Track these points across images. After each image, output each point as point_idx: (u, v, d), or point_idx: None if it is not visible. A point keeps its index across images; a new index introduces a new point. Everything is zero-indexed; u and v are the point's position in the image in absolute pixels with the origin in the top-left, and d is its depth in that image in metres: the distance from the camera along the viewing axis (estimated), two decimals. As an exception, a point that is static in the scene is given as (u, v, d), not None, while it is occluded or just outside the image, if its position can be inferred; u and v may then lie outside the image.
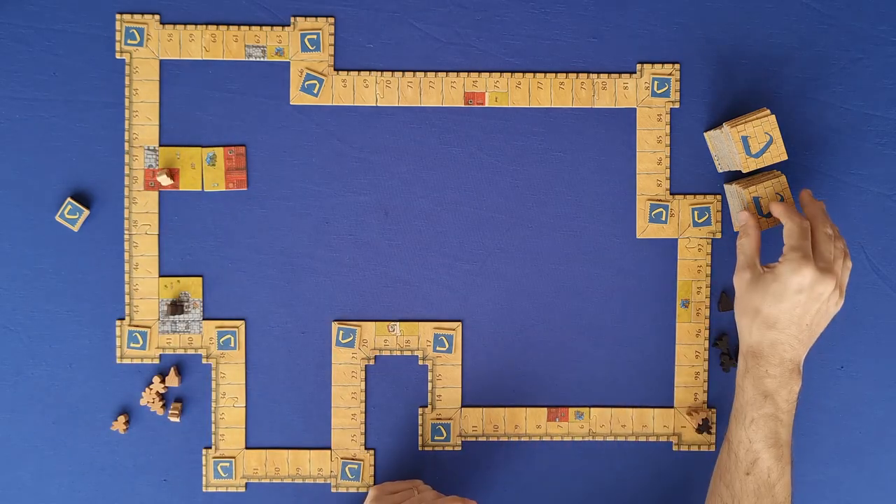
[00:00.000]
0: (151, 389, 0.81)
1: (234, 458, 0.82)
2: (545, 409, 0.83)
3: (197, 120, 0.81)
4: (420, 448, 0.83)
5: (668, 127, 0.82)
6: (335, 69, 0.81)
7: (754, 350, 0.72)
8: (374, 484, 0.82)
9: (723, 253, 0.82)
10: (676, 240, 0.82)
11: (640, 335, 0.83)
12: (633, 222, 0.82)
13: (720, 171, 0.82)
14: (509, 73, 0.82)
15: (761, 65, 0.82)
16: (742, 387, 0.72)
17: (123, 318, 0.81)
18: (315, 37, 0.81)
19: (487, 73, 0.81)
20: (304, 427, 0.82)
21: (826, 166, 0.82)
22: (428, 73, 0.81)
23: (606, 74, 0.82)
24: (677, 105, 0.82)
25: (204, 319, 0.82)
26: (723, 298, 0.82)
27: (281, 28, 0.81)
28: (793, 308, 0.70)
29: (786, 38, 0.82)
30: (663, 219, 0.82)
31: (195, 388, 0.82)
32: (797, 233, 0.71)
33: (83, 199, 0.81)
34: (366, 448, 0.82)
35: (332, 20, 0.81)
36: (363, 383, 0.82)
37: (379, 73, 0.81)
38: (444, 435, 0.82)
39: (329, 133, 0.82)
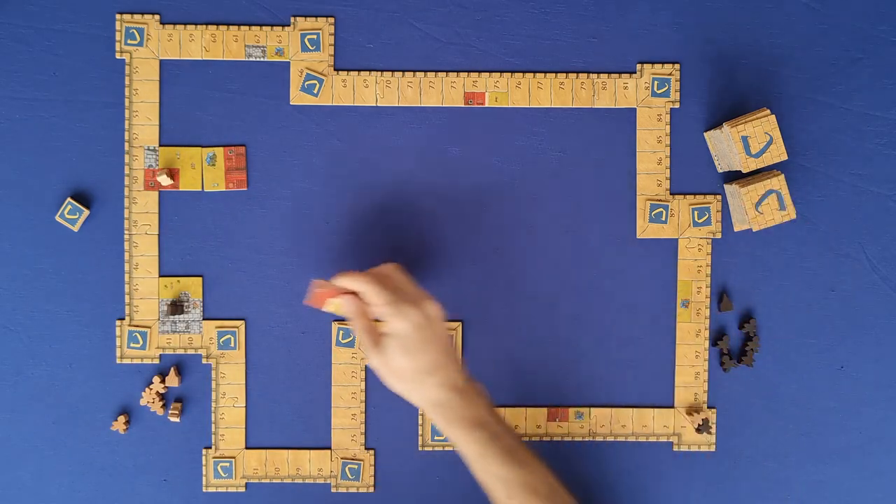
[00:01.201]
0: (151, 389, 0.81)
1: (234, 458, 0.82)
2: (545, 409, 0.83)
3: (197, 120, 0.81)
4: (420, 448, 0.83)
5: (668, 127, 0.82)
6: (335, 69, 0.81)
7: (434, 402, 0.70)
8: (374, 484, 0.82)
9: (723, 253, 0.82)
10: (676, 240, 0.82)
11: (640, 335, 0.83)
12: (633, 222, 0.82)
13: (720, 171, 0.82)
14: (509, 73, 0.82)
15: (761, 65, 0.82)
16: (456, 440, 0.71)
17: (123, 318, 0.81)
18: (315, 37, 0.81)
19: (487, 73, 0.81)
20: (304, 427, 0.82)
21: (826, 166, 0.82)
22: (428, 73, 0.81)
23: (606, 74, 0.82)
24: (677, 105, 0.82)
25: (204, 319, 0.82)
26: (723, 298, 0.82)
27: (281, 28, 0.81)
28: (425, 344, 0.69)
29: (786, 38, 0.82)
30: (663, 219, 0.82)
31: (195, 388, 0.82)
32: (375, 290, 0.70)
33: (83, 199, 0.81)
34: (366, 448, 0.82)
35: (332, 20, 0.81)
36: (363, 383, 0.82)
37: (379, 73, 0.81)
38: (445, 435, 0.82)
39: (329, 133, 0.82)
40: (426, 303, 0.71)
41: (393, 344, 0.70)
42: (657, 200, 0.82)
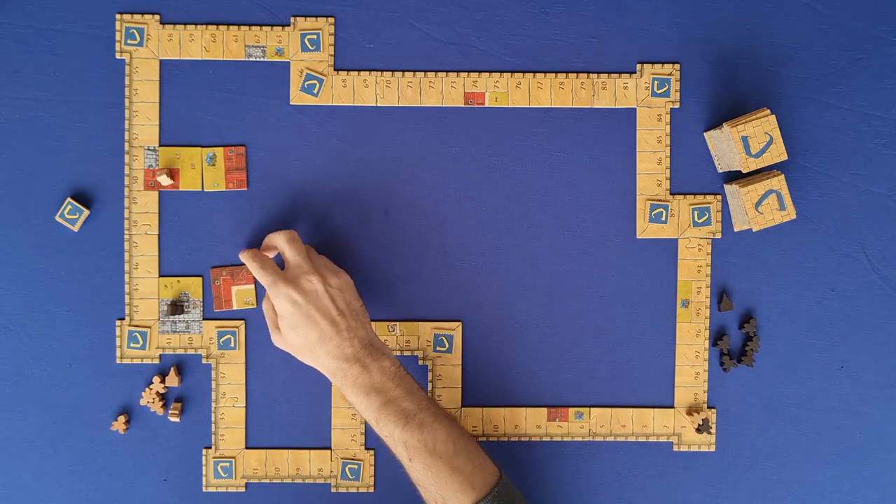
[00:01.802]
0: (151, 389, 0.81)
1: (234, 458, 0.82)
2: (545, 409, 0.83)
3: (197, 120, 0.81)
4: (420, 448, 0.82)
5: (668, 127, 0.82)
6: (335, 69, 0.81)
7: (328, 370, 0.73)
8: (374, 484, 0.82)
9: (723, 253, 0.82)
10: (676, 240, 0.82)
11: (640, 335, 0.83)
12: (633, 222, 0.82)
13: (720, 171, 0.82)
14: (509, 73, 0.82)
15: (761, 65, 0.82)
16: (354, 405, 0.73)
17: (123, 318, 0.81)
18: (315, 37, 0.81)
19: (487, 73, 0.81)
20: (304, 427, 0.82)
21: (826, 166, 0.82)
22: (428, 73, 0.81)
23: (606, 74, 0.82)
24: (677, 105, 0.82)
25: (204, 319, 0.82)
26: (723, 298, 0.82)
27: (281, 28, 0.81)
28: (307, 319, 0.72)
29: (786, 38, 0.82)
30: (663, 219, 0.82)
31: (195, 388, 0.82)
32: (256, 272, 0.75)
33: (83, 199, 0.81)
34: (366, 448, 0.82)
35: (332, 20, 0.81)
36: (363, 383, 0.82)
37: (379, 73, 0.81)
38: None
39: (329, 133, 0.82)
40: (303, 279, 0.73)
41: (282, 323, 0.74)
42: (657, 200, 0.82)
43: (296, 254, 0.75)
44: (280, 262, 0.78)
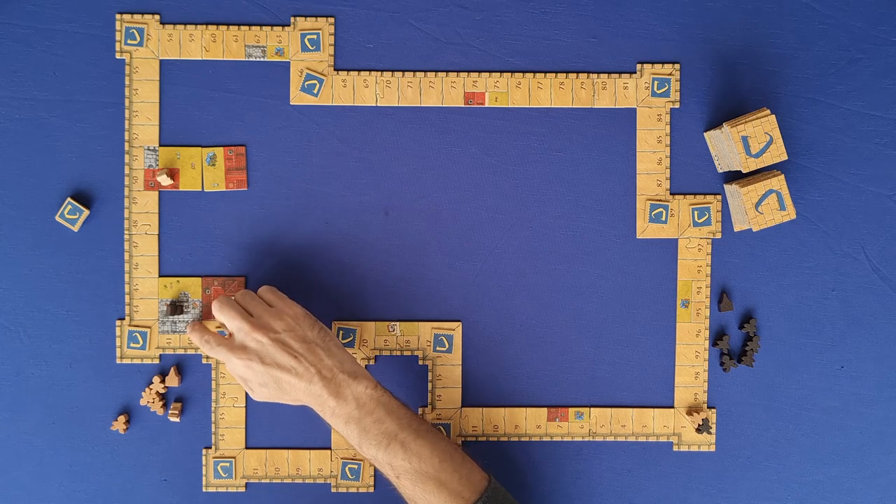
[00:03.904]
0: (151, 389, 0.81)
1: (234, 458, 0.82)
2: (545, 409, 0.83)
3: (197, 120, 0.81)
4: (420, 448, 0.82)
5: (668, 127, 0.82)
6: (335, 69, 0.81)
7: (305, 404, 0.73)
8: (374, 484, 0.82)
9: (723, 253, 0.82)
10: (676, 240, 0.82)
11: (640, 335, 0.83)
12: (633, 222, 0.82)
13: (720, 171, 0.82)
14: (509, 73, 0.82)
15: (761, 65, 0.82)
16: (337, 431, 0.74)
17: (123, 318, 0.81)
18: (315, 37, 0.81)
19: (487, 73, 0.81)
20: (304, 427, 0.82)
21: (826, 166, 0.82)
22: (428, 73, 0.81)
23: (606, 74, 0.82)
24: (677, 105, 0.82)
25: (204, 319, 0.81)
26: (723, 298, 0.82)
27: (281, 28, 0.81)
28: (267, 376, 0.73)
29: (786, 38, 0.82)
30: (663, 219, 0.82)
31: (195, 388, 0.82)
32: (208, 350, 0.75)
33: (83, 199, 0.81)
34: (366, 448, 0.82)
35: (332, 20, 0.81)
36: (363, 383, 0.82)
37: (379, 73, 0.81)
38: (445, 435, 0.82)
39: (329, 133, 0.82)
40: (248, 340, 0.72)
41: (248, 385, 0.74)
42: (657, 200, 0.82)
43: (231, 318, 0.73)
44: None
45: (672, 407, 0.83)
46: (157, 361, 0.82)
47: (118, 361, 0.81)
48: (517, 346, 0.82)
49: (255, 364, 0.72)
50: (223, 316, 0.74)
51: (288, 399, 0.73)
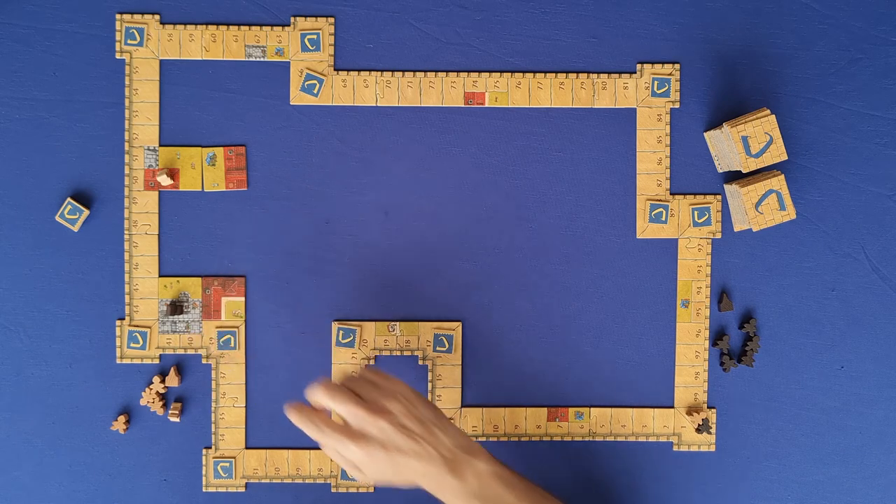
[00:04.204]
0: (151, 389, 0.81)
1: (234, 458, 0.82)
2: (545, 409, 0.83)
3: (197, 120, 0.81)
4: (420, 448, 0.82)
5: (668, 127, 0.82)
6: (335, 69, 0.81)
7: (429, 488, 0.69)
8: (374, 486, 0.82)
9: (723, 253, 0.82)
10: (676, 240, 0.82)
11: (640, 335, 0.83)
12: (633, 222, 0.82)
13: (720, 171, 0.82)
14: (509, 73, 0.82)
15: (761, 65, 0.82)
16: None
17: (123, 318, 0.81)
18: (315, 37, 0.81)
19: (487, 73, 0.81)
20: (304, 427, 0.82)
21: (826, 166, 0.82)
22: (428, 73, 0.81)
23: (606, 74, 0.82)
24: (677, 105, 0.82)
25: (204, 319, 0.81)
26: (723, 298, 0.82)
27: (281, 28, 0.81)
28: (388, 463, 0.68)
29: (786, 38, 0.82)
30: (663, 219, 0.82)
31: (195, 388, 0.82)
32: (320, 438, 0.69)
33: (83, 199, 0.81)
34: (366, 448, 0.82)
35: (332, 20, 0.81)
36: (363, 383, 0.82)
37: (379, 73, 0.81)
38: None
39: (329, 133, 0.82)
40: (369, 427, 0.67)
41: (362, 470, 0.69)
42: (657, 200, 0.82)
43: (345, 404, 0.68)
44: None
45: (672, 407, 0.83)
46: (157, 361, 0.82)
47: (118, 361, 0.81)
48: (517, 346, 0.82)
49: (377, 451, 0.67)
50: (335, 402, 0.68)
51: (399, 480, 0.69)
